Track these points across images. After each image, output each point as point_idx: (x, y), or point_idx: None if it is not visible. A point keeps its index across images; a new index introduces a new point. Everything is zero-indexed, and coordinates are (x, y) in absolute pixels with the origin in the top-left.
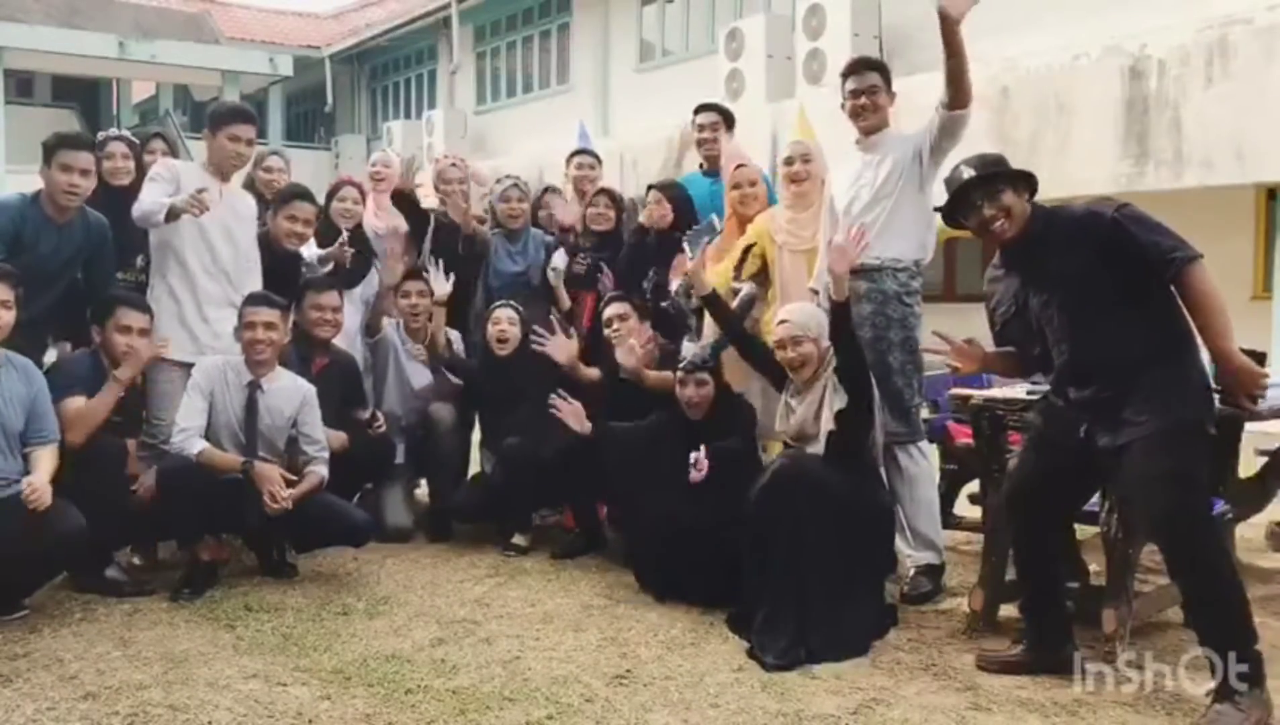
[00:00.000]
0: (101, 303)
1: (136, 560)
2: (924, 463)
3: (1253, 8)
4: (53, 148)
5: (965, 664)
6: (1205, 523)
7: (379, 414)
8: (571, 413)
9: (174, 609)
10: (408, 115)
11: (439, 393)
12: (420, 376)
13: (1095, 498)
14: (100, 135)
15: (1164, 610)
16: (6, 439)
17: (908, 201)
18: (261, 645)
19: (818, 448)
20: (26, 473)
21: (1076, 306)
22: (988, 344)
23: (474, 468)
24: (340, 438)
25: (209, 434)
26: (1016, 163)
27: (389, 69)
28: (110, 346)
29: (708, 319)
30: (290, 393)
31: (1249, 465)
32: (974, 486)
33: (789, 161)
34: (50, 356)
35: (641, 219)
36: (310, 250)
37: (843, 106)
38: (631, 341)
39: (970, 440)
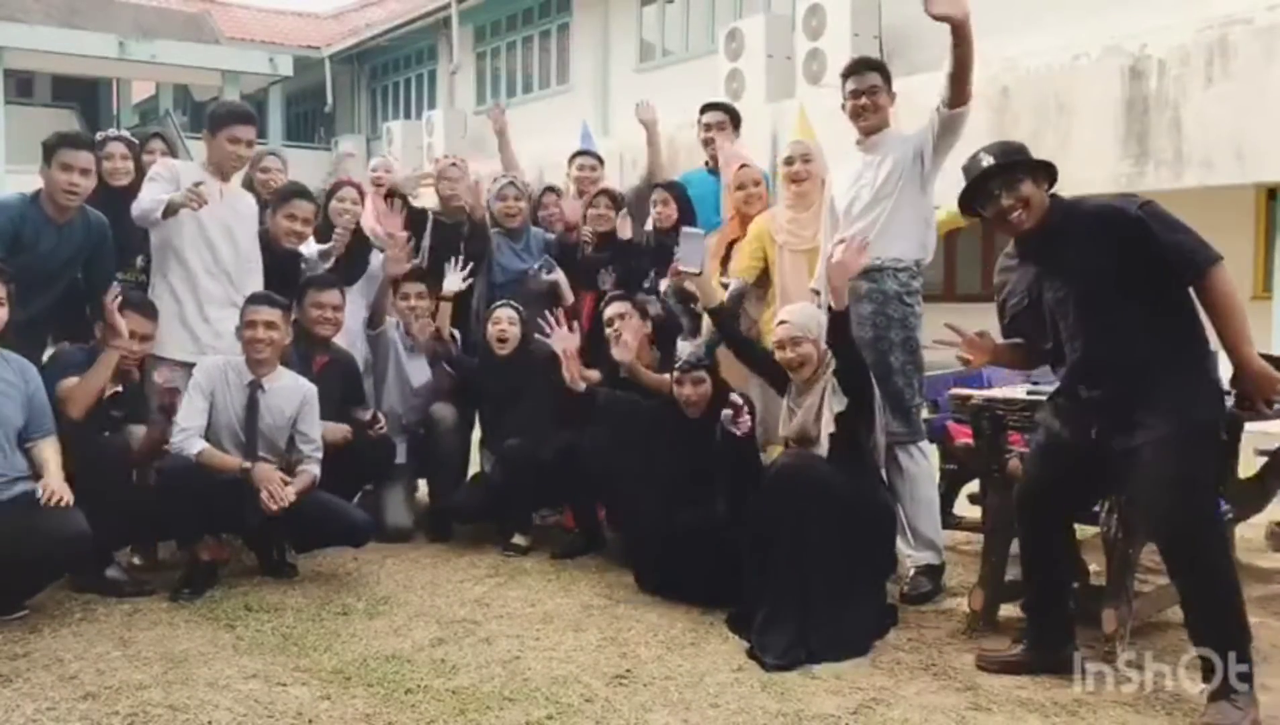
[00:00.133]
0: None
1: (136, 560)
2: (924, 463)
3: (1253, 8)
4: (53, 147)
5: (965, 664)
6: (1209, 525)
7: (380, 414)
8: (561, 337)
9: (174, 609)
10: (408, 115)
11: (438, 390)
12: (420, 375)
13: None
14: (99, 135)
15: (1164, 610)
16: (5, 437)
17: (908, 202)
18: (261, 645)
19: (819, 450)
20: (28, 471)
21: (1093, 302)
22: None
23: (474, 468)
24: (343, 430)
25: (209, 434)
26: None
27: (389, 69)
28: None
29: (705, 318)
30: (291, 392)
31: (1249, 465)
32: (974, 486)
33: (789, 161)
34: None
35: (652, 218)
36: (309, 248)
37: (843, 107)
38: (625, 336)
39: (970, 440)
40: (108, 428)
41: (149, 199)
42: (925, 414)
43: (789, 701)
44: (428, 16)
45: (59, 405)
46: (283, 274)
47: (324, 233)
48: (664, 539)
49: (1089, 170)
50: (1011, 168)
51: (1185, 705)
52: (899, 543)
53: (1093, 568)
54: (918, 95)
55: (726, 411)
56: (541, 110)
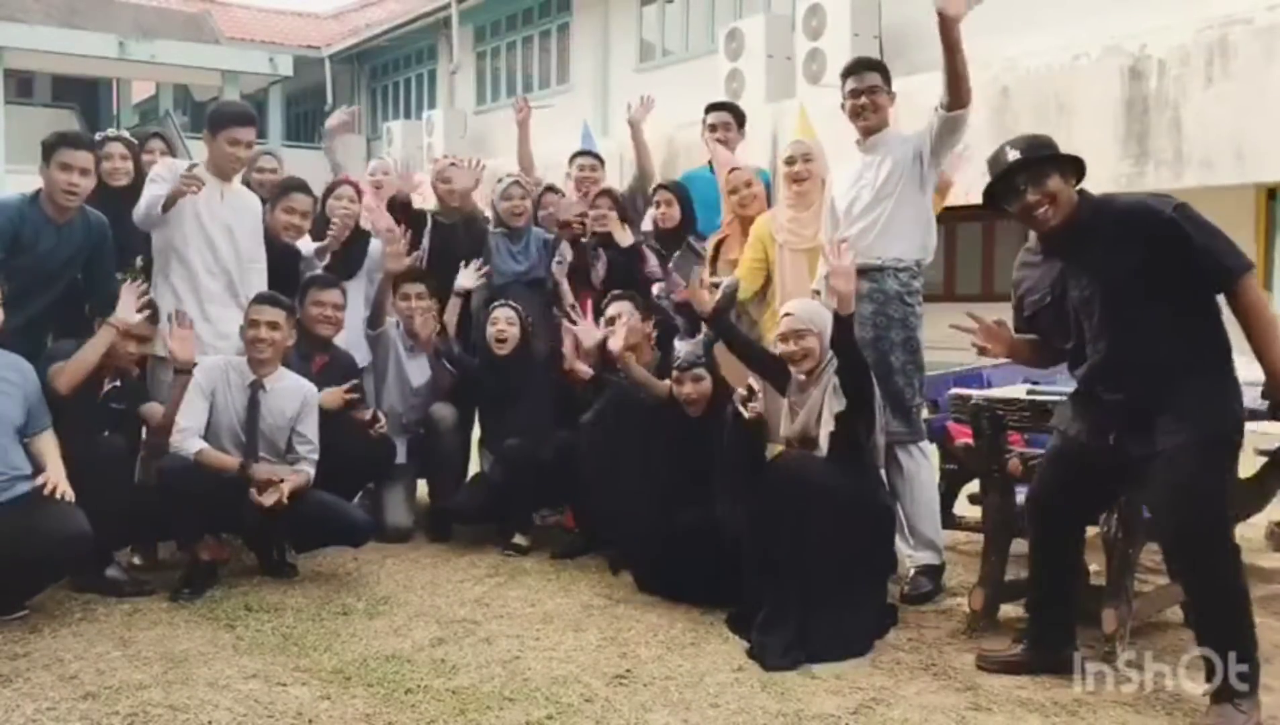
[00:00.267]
0: (105, 301)
1: (136, 560)
2: (924, 463)
3: (1253, 8)
4: (52, 147)
5: (965, 664)
6: (1222, 533)
7: (380, 414)
8: (584, 330)
9: (174, 609)
10: (407, 115)
11: (438, 390)
12: (420, 375)
13: None
14: (98, 135)
15: (1164, 610)
16: (5, 435)
17: (908, 202)
18: (261, 645)
19: (819, 450)
20: (28, 470)
21: (1119, 302)
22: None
23: (474, 468)
24: (337, 395)
25: (210, 433)
26: None
27: (389, 69)
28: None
29: None
30: (293, 392)
31: (1249, 465)
32: (974, 486)
33: (790, 161)
34: None
35: (653, 217)
36: (308, 246)
37: (843, 107)
38: (619, 329)
39: (970, 440)
40: (108, 426)
41: (148, 198)
42: (925, 414)
43: (789, 701)
44: (428, 16)
45: (49, 382)
46: (282, 271)
47: (321, 231)
48: (664, 539)
49: (1089, 170)
50: (1038, 162)
51: (1185, 705)
52: (899, 543)
53: (1093, 568)
54: (918, 95)
55: (740, 391)
56: (541, 110)
